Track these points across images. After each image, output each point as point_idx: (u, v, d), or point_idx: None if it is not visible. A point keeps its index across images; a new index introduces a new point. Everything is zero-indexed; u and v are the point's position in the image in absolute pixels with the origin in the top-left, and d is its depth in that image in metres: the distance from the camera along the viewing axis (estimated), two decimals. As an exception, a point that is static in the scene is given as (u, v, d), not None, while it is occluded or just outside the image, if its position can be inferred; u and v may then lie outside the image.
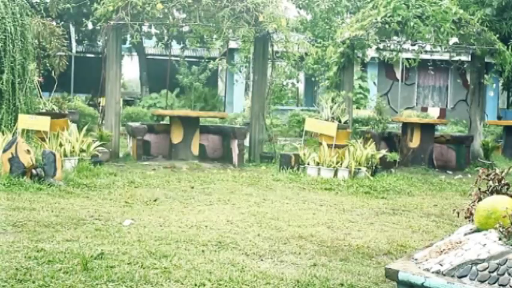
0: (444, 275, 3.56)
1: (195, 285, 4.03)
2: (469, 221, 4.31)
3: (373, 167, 10.19)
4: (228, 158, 11.59)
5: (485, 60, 13.25)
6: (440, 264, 3.67)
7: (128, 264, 4.39)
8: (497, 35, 12.73)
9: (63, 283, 3.89)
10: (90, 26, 21.49)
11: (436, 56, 16.28)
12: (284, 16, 11.76)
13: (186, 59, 22.64)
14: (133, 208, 6.79)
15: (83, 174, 8.66)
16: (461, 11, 11.90)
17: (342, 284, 4.23)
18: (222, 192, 8.17)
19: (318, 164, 10.08)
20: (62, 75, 14.36)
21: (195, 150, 11.59)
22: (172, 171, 10.04)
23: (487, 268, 3.44)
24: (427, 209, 7.75)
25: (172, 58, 20.59)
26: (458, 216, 4.47)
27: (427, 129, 12.25)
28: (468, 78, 15.78)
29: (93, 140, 10.05)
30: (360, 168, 9.99)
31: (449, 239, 4.06)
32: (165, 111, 14.40)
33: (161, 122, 14.36)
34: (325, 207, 7.48)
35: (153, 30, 23.26)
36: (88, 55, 25.60)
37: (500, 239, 3.65)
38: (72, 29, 23.51)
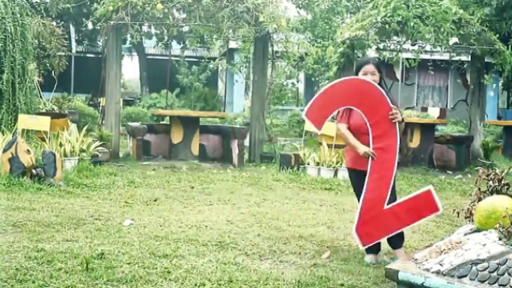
0: (444, 275, 3.56)
1: (195, 285, 4.03)
2: (469, 221, 4.30)
3: (373, 167, 10.16)
4: (228, 158, 11.59)
5: (485, 60, 13.23)
6: (440, 264, 3.67)
7: (128, 264, 4.39)
8: (497, 35, 12.71)
9: (63, 283, 3.88)
10: (90, 26, 21.55)
11: (436, 56, 16.27)
12: (284, 16, 11.75)
13: (186, 59, 22.63)
14: (133, 208, 6.79)
15: (83, 174, 8.65)
16: (461, 11, 11.88)
17: (342, 284, 4.23)
18: (222, 192, 8.17)
19: (318, 164, 10.08)
20: (62, 75, 14.38)
21: (195, 150, 11.59)
22: (172, 171, 10.04)
23: (487, 268, 3.44)
24: (427, 209, 7.73)
25: (173, 58, 20.59)
26: (458, 216, 4.46)
27: (427, 129, 12.24)
28: (468, 78, 15.77)
29: (93, 140, 10.04)
30: (360, 168, 9.97)
31: (449, 239, 4.05)
32: (165, 111, 14.39)
33: (161, 122, 14.36)
34: (325, 207, 7.49)
35: (153, 30, 23.24)
36: (88, 55, 25.60)
37: (500, 239, 3.65)
38: (72, 29, 23.50)
